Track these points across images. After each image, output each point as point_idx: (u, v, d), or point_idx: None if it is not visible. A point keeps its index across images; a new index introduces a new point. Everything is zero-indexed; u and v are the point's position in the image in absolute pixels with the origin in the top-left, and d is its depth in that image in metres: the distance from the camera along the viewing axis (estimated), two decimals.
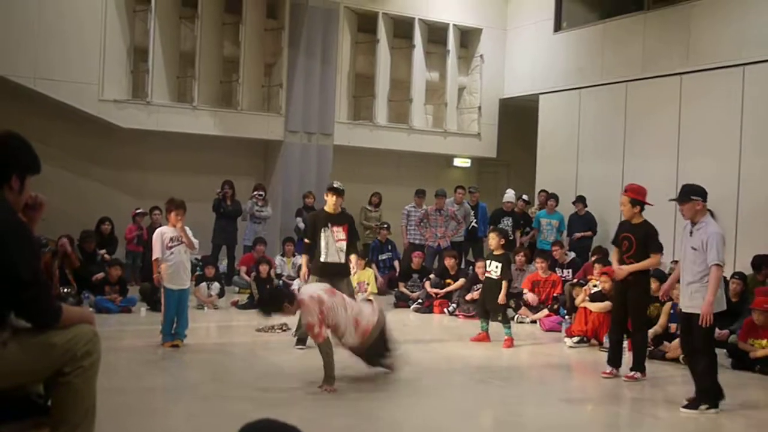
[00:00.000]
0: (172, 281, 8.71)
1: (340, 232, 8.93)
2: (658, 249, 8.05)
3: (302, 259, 9.26)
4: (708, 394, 6.88)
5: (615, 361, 8.20)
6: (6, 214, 3.45)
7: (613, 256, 8.46)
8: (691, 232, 7.06)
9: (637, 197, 8.05)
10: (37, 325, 3.53)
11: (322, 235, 8.90)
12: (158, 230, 8.93)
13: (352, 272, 9.39)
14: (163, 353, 8.45)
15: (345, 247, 8.94)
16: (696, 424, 6.68)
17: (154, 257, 8.82)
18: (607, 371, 8.15)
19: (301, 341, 8.90)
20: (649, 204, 8.09)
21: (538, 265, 12.02)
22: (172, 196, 9.10)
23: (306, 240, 9.24)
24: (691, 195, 7.05)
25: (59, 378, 3.54)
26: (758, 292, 9.54)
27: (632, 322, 8.17)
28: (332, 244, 8.90)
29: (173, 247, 8.70)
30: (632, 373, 8.00)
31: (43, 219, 3.99)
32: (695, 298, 6.93)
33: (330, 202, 9.02)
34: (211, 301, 11.83)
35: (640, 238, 7.96)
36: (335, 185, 9.16)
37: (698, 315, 6.86)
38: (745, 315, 9.57)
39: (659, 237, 8.06)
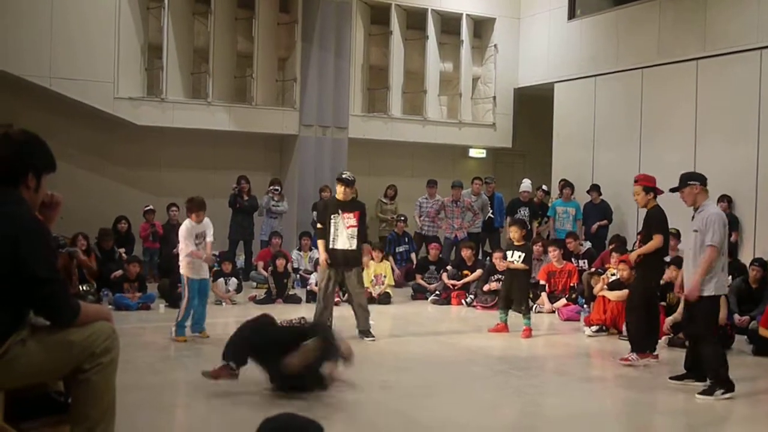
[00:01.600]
0: (194, 272, 8.83)
1: (350, 218, 9.00)
2: (659, 230, 8.17)
3: (319, 246, 9.20)
4: (720, 379, 6.92)
5: (637, 346, 8.26)
6: (23, 212, 3.47)
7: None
8: (693, 217, 7.23)
9: (649, 184, 8.20)
10: (55, 322, 3.55)
11: (332, 221, 8.97)
12: (185, 224, 9.03)
13: (364, 262, 9.38)
14: (181, 349, 8.48)
15: (356, 234, 8.97)
16: (715, 410, 6.65)
17: (181, 245, 8.91)
18: (625, 357, 8.23)
19: None
20: (660, 191, 8.16)
21: (551, 254, 11.97)
22: (192, 196, 9.23)
23: (318, 226, 9.26)
24: (688, 181, 7.24)
25: (78, 375, 3.56)
26: None
27: (630, 301, 8.35)
28: (342, 230, 8.96)
29: (198, 243, 8.90)
30: (627, 354, 8.15)
31: (60, 217, 4.02)
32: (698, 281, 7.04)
33: (339, 192, 9.10)
34: (229, 296, 11.87)
35: (646, 223, 8.23)
36: (343, 175, 9.22)
37: (702, 299, 6.96)
38: (765, 301, 9.51)
39: (668, 222, 8.20)
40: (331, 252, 8.96)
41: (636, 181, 8.34)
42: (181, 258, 8.96)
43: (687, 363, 7.41)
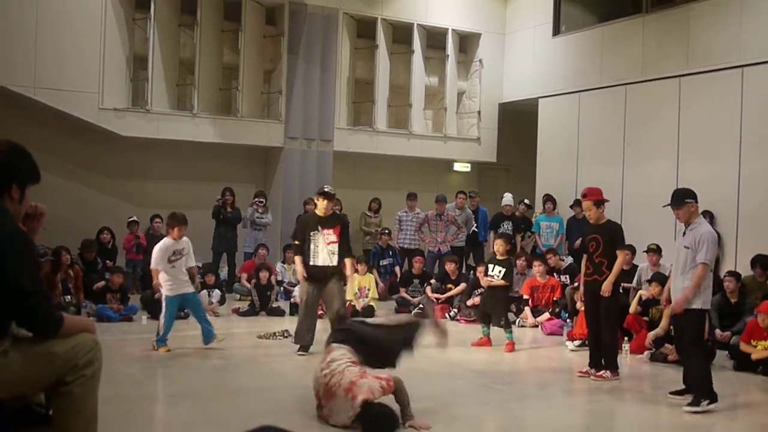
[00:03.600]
0: (171, 291, 8.81)
1: (330, 235, 8.90)
2: (624, 245, 8.33)
3: (296, 260, 9.16)
4: (705, 390, 6.98)
5: (595, 362, 8.30)
6: (6, 223, 3.46)
7: (583, 260, 8.54)
8: (684, 233, 7.24)
9: (598, 198, 8.25)
10: (38, 334, 3.54)
11: (312, 238, 8.88)
12: (162, 242, 9.01)
13: (347, 277, 9.21)
14: (163, 361, 8.44)
15: (336, 250, 8.89)
16: (699, 425, 6.68)
17: (152, 266, 8.91)
18: (584, 371, 8.31)
19: (303, 348, 8.89)
20: (607, 200, 8.33)
21: (536, 269, 12.00)
22: (174, 211, 9.26)
23: (296, 242, 9.21)
24: (685, 198, 7.25)
25: (60, 387, 3.55)
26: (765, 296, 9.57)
27: (603, 321, 8.28)
28: (323, 246, 8.87)
29: (175, 261, 8.86)
30: (601, 372, 8.13)
31: (43, 228, 4.00)
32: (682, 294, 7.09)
33: (320, 206, 8.99)
34: (212, 308, 11.83)
35: (606, 237, 8.17)
36: (325, 189, 9.12)
37: (687, 312, 7.02)
38: (747, 316, 9.59)
39: (640, 240, 8.25)
40: (312, 268, 8.89)
41: (584, 196, 8.33)
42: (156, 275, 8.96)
43: (685, 378, 7.40)
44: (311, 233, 8.91)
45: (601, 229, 8.24)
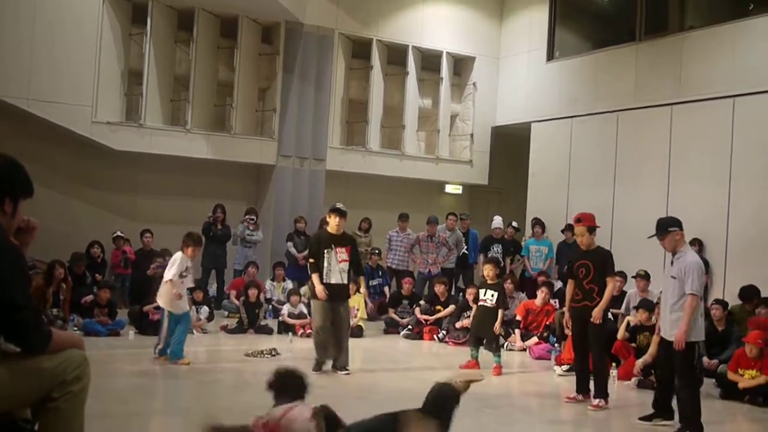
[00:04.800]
0: (175, 306, 8.94)
1: (343, 253, 9.01)
2: (614, 272, 8.30)
3: (314, 278, 9.10)
4: (693, 422, 6.97)
5: (582, 387, 8.28)
6: None
7: (569, 287, 8.49)
8: (672, 262, 7.25)
9: (592, 224, 8.24)
10: (26, 349, 3.51)
11: (325, 255, 8.96)
12: (177, 255, 9.13)
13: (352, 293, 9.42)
14: (151, 377, 8.40)
15: (347, 268, 9.02)
16: None
17: (165, 277, 9.00)
18: (571, 396, 8.29)
19: (318, 365, 9.01)
20: (598, 227, 8.32)
21: (540, 295, 11.98)
22: (191, 231, 9.53)
23: (311, 260, 9.19)
24: (668, 227, 7.23)
25: (48, 403, 3.52)
26: (752, 324, 9.59)
27: (593, 350, 8.25)
28: (335, 264, 8.98)
29: (184, 278, 9.01)
30: (596, 401, 8.07)
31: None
32: (676, 326, 7.10)
33: (333, 223, 9.07)
34: (200, 325, 11.79)
35: (597, 263, 8.13)
36: (339, 206, 9.20)
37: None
38: (734, 345, 9.61)
39: (629, 265, 8.25)
40: (326, 287, 8.94)
41: (578, 221, 8.28)
42: (162, 285, 9.06)
43: (656, 402, 7.45)
44: (325, 250, 8.98)
45: (591, 255, 8.21)
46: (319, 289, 8.94)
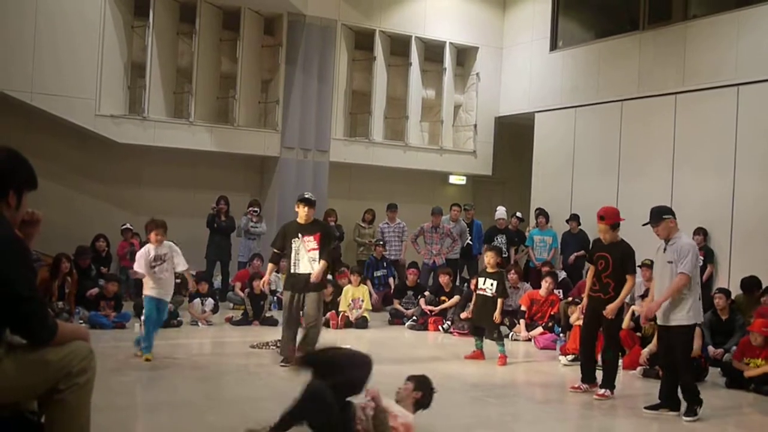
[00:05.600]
0: (152, 291, 8.84)
1: (311, 242, 8.81)
2: (634, 270, 8.22)
3: (268, 267, 9.24)
4: (697, 398, 7.18)
5: (587, 377, 8.28)
6: (3, 230, 3.45)
7: (589, 274, 8.47)
8: (665, 249, 7.32)
9: (616, 220, 8.11)
10: (32, 341, 3.52)
11: (293, 245, 8.82)
12: (143, 248, 9.03)
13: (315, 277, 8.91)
14: (156, 369, 8.42)
15: (317, 257, 8.81)
16: None
17: (135, 273, 8.99)
18: (576, 386, 8.29)
19: (286, 360, 8.80)
20: (622, 219, 8.22)
21: (544, 285, 11.96)
22: (153, 216, 9.31)
23: (275, 250, 9.13)
24: (662, 215, 7.35)
25: (54, 395, 3.53)
26: (758, 314, 9.58)
27: (605, 341, 8.26)
28: (303, 254, 8.81)
29: (156, 266, 8.84)
30: (602, 391, 8.07)
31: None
32: (673, 311, 7.19)
33: (301, 213, 8.90)
34: (205, 317, 11.81)
35: (617, 258, 8.05)
36: (306, 195, 9.04)
37: (676, 328, 7.09)
38: (738, 334, 9.62)
39: (636, 256, 8.27)
40: (293, 276, 8.83)
41: (601, 219, 8.10)
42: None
43: (662, 393, 7.46)
44: (292, 240, 8.86)
45: (612, 248, 8.07)
46: (264, 279, 9.38)
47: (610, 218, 8.09)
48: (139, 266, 8.86)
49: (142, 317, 8.93)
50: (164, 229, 8.95)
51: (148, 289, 8.85)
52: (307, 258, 8.82)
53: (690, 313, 7.14)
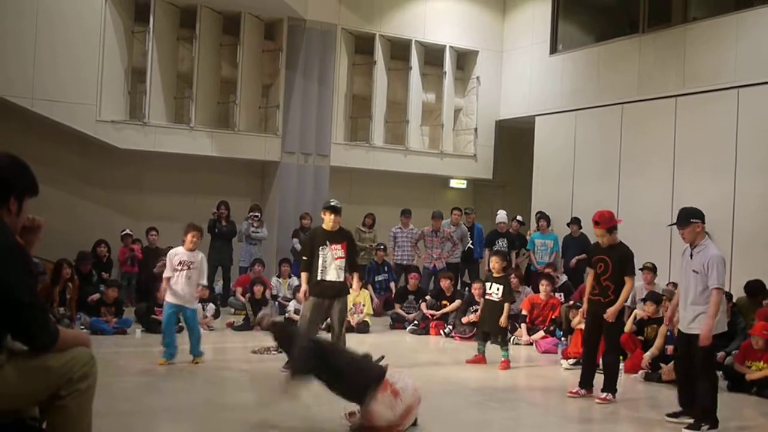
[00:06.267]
0: (170, 298, 8.93)
1: (338, 250, 8.78)
2: (633, 272, 8.16)
3: (302, 277, 9.05)
4: (710, 415, 6.93)
5: (586, 382, 8.26)
6: (4, 236, 3.45)
7: (589, 278, 8.46)
8: (691, 255, 7.11)
9: (611, 224, 8.08)
10: (33, 347, 3.52)
11: (320, 253, 8.75)
12: (173, 250, 9.12)
13: (351, 291, 9.20)
14: (157, 375, 8.42)
15: (343, 265, 8.81)
16: None
17: (165, 275, 9.02)
18: (574, 391, 8.26)
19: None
20: (619, 221, 8.21)
21: (542, 288, 11.97)
22: (192, 222, 9.50)
23: (304, 257, 9.02)
24: (690, 218, 7.12)
25: (55, 401, 3.53)
26: (759, 316, 9.56)
27: (606, 345, 8.22)
28: (331, 261, 8.75)
29: (178, 271, 8.92)
30: (604, 395, 8.04)
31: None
32: (698, 320, 6.97)
33: (327, 221, 8.84)
34: (207, 322, 11.80)
35: (615, 261, 8.02)
36: (332, 203, 8.98)
37: (698, 336, 6.91)
38: (740, 337, 9.60)
39: (637, 260, 8.17)
40: (320, 283, 8.74)
41: (597, 224, 8.08)
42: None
43: (681, 400, 7.36)
44: (320, 248, 8.78)
45: (611, 251, 8.06)
46: (303, 289, 8.81)
47: (605, 222, 8.05)
48: (167, 271, 8.97)
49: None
50: (201, 234, 9.12)
51: (168, 295, 8.96)
52: (334, 266, 8.76)
53: (716, 323, 7.01)
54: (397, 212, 15.45)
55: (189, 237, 9.00)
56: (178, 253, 9.00)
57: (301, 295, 8.91)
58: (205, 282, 9.32)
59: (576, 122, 15.74)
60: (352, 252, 9.03)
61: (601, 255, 8.13)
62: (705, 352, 6.96)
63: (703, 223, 7.16)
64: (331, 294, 8.76)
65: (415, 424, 6.43)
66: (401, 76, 17.35)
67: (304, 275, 8.94)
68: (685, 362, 7.29)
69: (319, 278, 8.76)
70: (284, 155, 15.90)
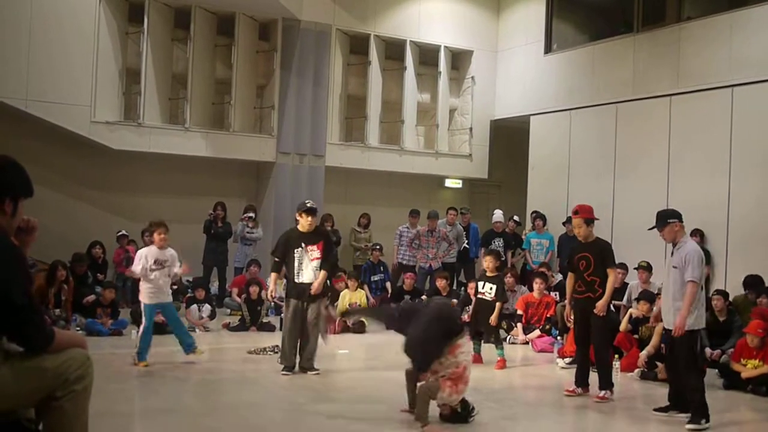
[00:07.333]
0: (149, 299, 8.84)
1: (314, 251, 8.71)
2: (614, 264, 8.33)
3: (271, 277, 9.10)
4: (704, 409, 7.04)
5: (582, 380, 8.29)
6: None
7: (569, 282, 8.52)
8: (672, 253, 7.32)
9: (590, 216, 8.25)
10: (29, 349, 3.52)
11: (295, 254, 8.69)
12: (141, 251, 9.05)
13: (327, 292, 9.06)
14: (153, 376, 8.40)
15: (320, 266, 8.72)
16: None
17: (131, 272, 9.08)
18: (571, 389, 8.28)
19: (287, 368, 8.73)
20: (596, 219, 8.34)
21: (536, 286, 11.97)
22: (152, 219, 9.36)
23: (276, 259, 8.98)
24: (667, 219, 7.33)
25: (51, 402, 3.52)
26: (754, 315, 9.59)
27: (595, 342, 8.27)
28: (307, 263, 8.69)
29: (155, 270, 8.84)
30: (602, 393, 8.07)
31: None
32: (676, 315, 7.13)
33: (303, 223, 8.74)
34: (202, 323, 11.79)
35: (596, 255, 8.15)
36: (309, 204, 8.85)
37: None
38: (736, 335, 9.61)
39: (628, 258, 8.23)
40: (298, 286, 8.70)
41: (575, 213, 8.29)
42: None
43: (670, 395, 7.46)
44: (295, 250, 8.72)
45: (590, 247, 8.23)
46: (271, 289, 9.02)
47: (584, 212, 8.24)
48: (136, 269, 8.85)
49: (141, 327, 8.84)
50: (166, 229, 8.93)
51: (146, 297, 8.83)
52: (311, 267, 8.70)
53: (694, 318, 7.12)
54: (393, 212, 15.49)
55: (156, 236, 8.90)
56: (150, 253, 8.87)
57: (268, 294, 8.97)
58: (178, 269, 9.12)
59: (571, 121, 15.76)
60: (330, 249, 8.96)
61: (582, 253, 8.27)
62: (685, 348, 7.13)
63: (681, 222, 7.34)
64: (308, 296, 8.69)
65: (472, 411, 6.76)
66: (396, 76, 17.34)
67: (273, 276, 9.06)
68: (671, 358, 7.41)
69: (296, 281, 8.71)
70: (279, 156, 15.88)
